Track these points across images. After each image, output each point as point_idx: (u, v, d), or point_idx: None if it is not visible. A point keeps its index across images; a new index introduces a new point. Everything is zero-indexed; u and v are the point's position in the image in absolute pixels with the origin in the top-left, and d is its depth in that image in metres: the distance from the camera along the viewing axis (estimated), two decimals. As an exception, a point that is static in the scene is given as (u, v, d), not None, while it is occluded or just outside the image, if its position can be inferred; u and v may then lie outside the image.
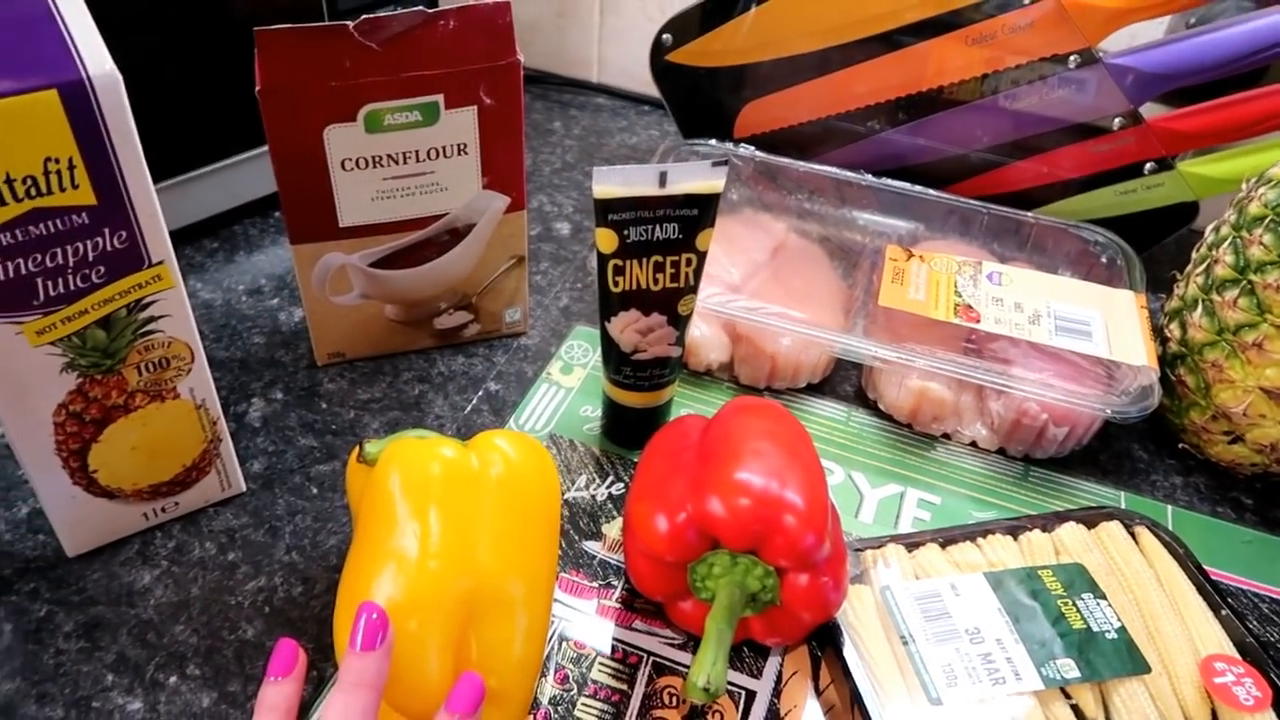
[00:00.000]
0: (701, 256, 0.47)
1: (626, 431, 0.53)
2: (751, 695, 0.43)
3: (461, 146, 0.50)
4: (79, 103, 0.35)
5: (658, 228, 0.45)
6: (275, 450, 0.52)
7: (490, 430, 0.42)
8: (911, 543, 0.46)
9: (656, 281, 0.46)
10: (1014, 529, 0.47)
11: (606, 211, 0.44)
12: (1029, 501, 0.52)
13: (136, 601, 0.45)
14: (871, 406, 0.57)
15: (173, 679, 0.42)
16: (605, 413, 0.53)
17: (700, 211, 0.45)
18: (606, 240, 0.45)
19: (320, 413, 0.55)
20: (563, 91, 0.86)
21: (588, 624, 0.45)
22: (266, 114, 0.46)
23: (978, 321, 0.54)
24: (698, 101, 0.71)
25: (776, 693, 0.43)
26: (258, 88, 0.45)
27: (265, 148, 0.48)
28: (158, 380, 0.43)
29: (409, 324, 0.57)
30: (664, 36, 0.68)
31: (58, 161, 0.35)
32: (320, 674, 0.43)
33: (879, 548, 0.46)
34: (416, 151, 0.49)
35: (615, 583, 0.47)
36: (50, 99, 0.34)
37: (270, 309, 0.61)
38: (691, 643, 0.44)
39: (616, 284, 0.46)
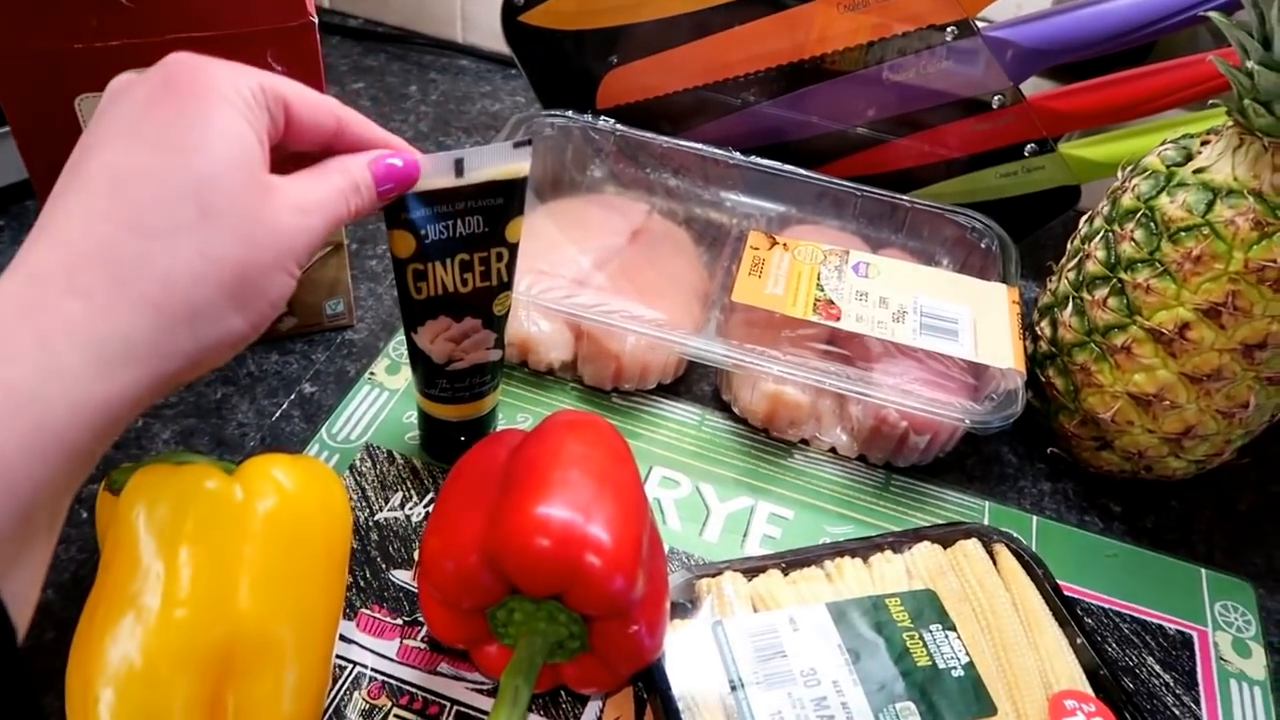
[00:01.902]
0: (513, 249, 0.41)
1: (448, 446, 0.47)
2: (566, 746, 0.38)
3: (250, 120, 0.43)
4: None
5: (459, 222, 0.39)
6: (44, 467, 0.46)
7: (266, 455, 0.37)
8: (752, 568, 0.42)
9: (465, 282, 0.41)
10: (865, 550, 0.43)
11: (398, 209, 0.38)
12: (889, 514, 0.48)
13: None
14: (727, 409, 0.52)
15: (-116, 750, 0.36)
16: (422, 426, 0.47)
17: (506, 200, 0.40)
18: (402, 243, 0.39)
19: (103, 421, 0.48)
20: (424, 52, 0.78)
21: (387, 668, 0.40)
22: (2, 83, 0.39)
23: (838, 319, 0.49)
24: (559, 68, 0.65)
25: (594, 741, 0.39)
26: (-19, 53, 0.38)
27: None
28: None
29: (211, 319, 0.50)
30: (513, -5, 0.62)
31: None
32: (66, 738, 0.37)
33: (715, 575, 0.42)
34: (195, 125, 0.43)
35: (422, 619, 0.42)
36: None
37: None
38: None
39: (420, 290, 0.40)
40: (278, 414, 0.49)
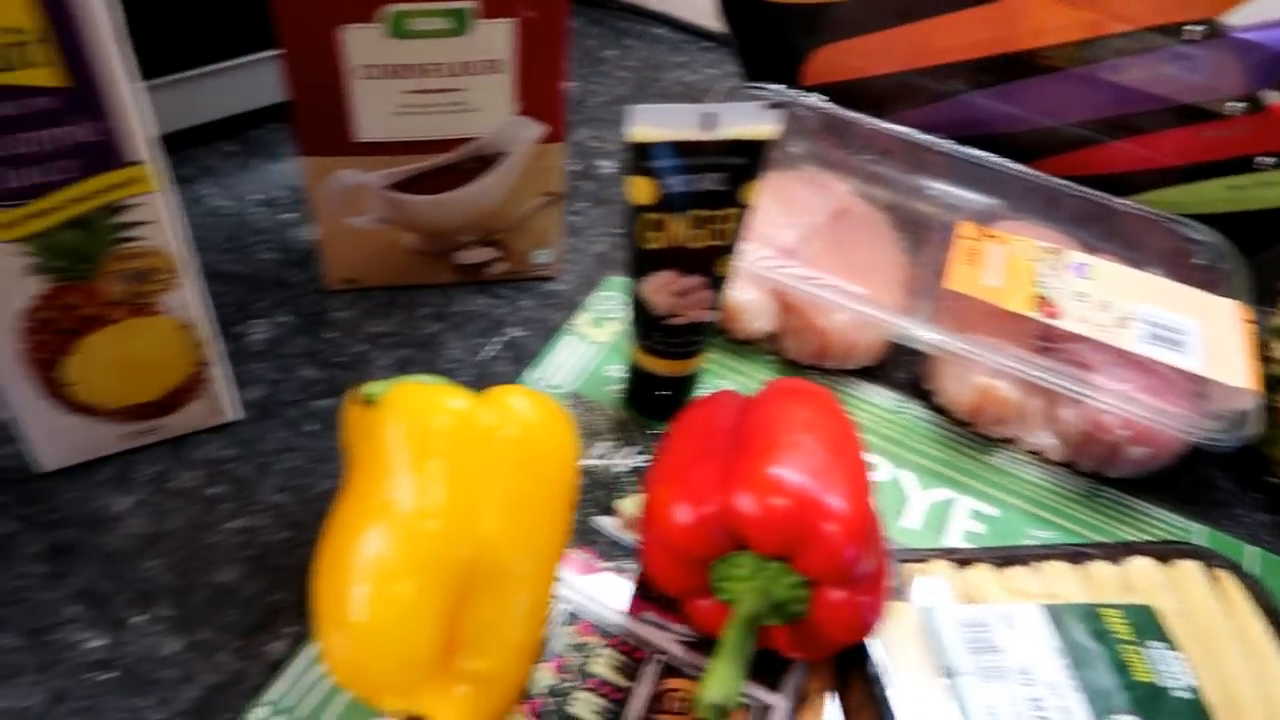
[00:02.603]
0: (745, 210, 0.41)
1: (651, 401, 0.48)
2: (767, 710, 0.38)
3: (493, 64, 0.44)
4: (50, -34, 0.30)
5: (700, 178, 0.39)
6: (275, 379, 0.48)
7: (507, 385, 0.38)
8: (961, 560, 0.41)
9: (696, 239, 0.41)
10: (1077, 555, 0.42)
11: (643, 157, 0.39)
12: (1094, 524, 0.47)
13: (109, 528, 0.41)
14: (927, 399, 0.51)
15: (139, 618, 0.38)
16: (629, 379, 0.48)
17: (749, 160, 0.40)
18: (643, 190, 0.39)
19: (326, 342, 0.50)
20: (620, 17, 0.79)
21: (593, 609, 0.41)
22: (279, 8, 0.40)
23: (1058, 318, 0.48)
24: (766, 40, 0.65)
25: (795, 709, 0.38)
26: (277, -25, 0.40)
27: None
28: (138, 293, 0.38)
29: (428, 255, 0.52)
30: (740, -36, 0.61)
31: (19, 33, 0.30)
32: (299, 632, 0.39)
33: (924, 561, 0.41)
34: (442, 64, 0.44)
35: (627, 566, 0.42)
36: (14, -44, 0.29)
37: (283, 224, 0.57)
38: (706, 644, 0.40)
39: (651, 240, 0.41)
40: (489, 353, 0.51)
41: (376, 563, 0.34)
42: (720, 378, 0.51)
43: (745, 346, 0.53)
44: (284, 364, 0.49)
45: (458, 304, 0.53)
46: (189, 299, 0.40)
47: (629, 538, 0.43)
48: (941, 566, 0.41)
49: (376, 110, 0.44)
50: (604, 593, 0.41)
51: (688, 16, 0.78)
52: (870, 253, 0.55)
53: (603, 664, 0.39)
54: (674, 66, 0.75)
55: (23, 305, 0.36)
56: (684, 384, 0.47)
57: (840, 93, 0.65)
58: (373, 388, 0.37)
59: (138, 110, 0.33)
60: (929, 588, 0.40)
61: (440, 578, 0.34)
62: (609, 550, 0.43)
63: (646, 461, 0.46)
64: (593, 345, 0.52)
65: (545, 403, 0.37)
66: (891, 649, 0.38)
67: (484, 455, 0.35)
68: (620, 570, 0.42)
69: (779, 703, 0.38)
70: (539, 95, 0.46)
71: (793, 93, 0.61)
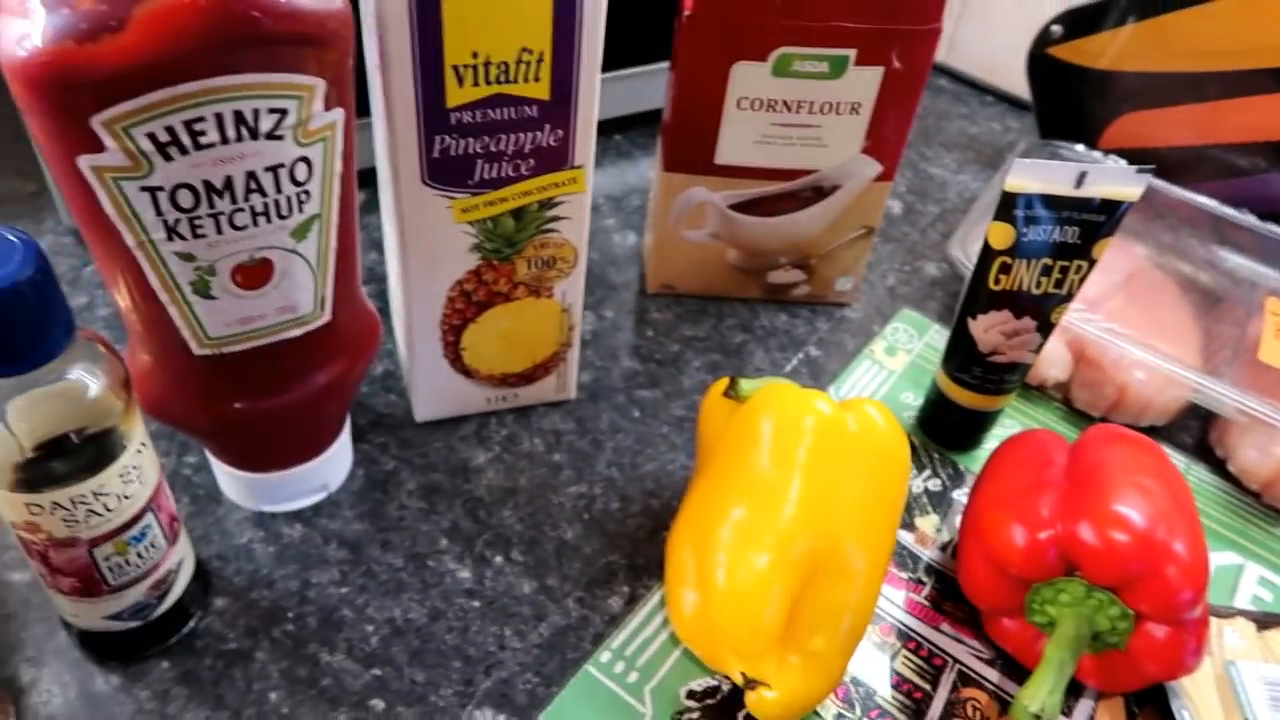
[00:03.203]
0: (1092, 265, 0.44)
1: (951, 430, 0.51)
2: (1059, 732, 0.41)
3: (855, 106, 0.49)
4: (566, 1, 0.36)
5: (1058, 229, 0.42)
6: (601, 366, 0.54)
7: (861, 398, 0.42)
8: (1264, 621, 0.42)
9: (1039, 285, 0.44)
10: (1385, 637, 0.42)
11: (1012, 205, 0.42)
12: (1392, 610, 0.46)
13: (471, 478, 0.48)
14: (1216, 464, 0.52)
15: (498, 558, 0.44)
16: (930, 406, 0.51)
17: (1106, 218, 0.42)
18: (1001, 235, 0.43)
19: (646, 339, 0.56)
20: (903, 66, 0.83)
21: (895, 613, 0.44)
22: (686, 39, 0.46)
23: (1375, 401, 0.48)
24: (1064, 100, 0.67)
25: (1087, 737, 0.41)
26: (686, 12, 0.45)
27: (652, 66, 0.48)
28: (541, 277, 0.45)
29: (745, 272, 0.57)
30: (1053, 28, 0.64)
31: (530, 53, 0.37)
32: (631, 592, 0.44)
33: (1226, 617, 0.42)
34: (812, 103, 0.48)
35: (925, 580, 0.45)
36: (546, -7, 0.35)
37: (605, 228, 0.63)
38: (1001, 659, 0.43)
39: (997, 281, 0.44)
40: (788, 367, 0.55)
41: (739, 538, 0.38)
42: (1008, 418, 0.53)
43: (1033, 392, 0.55)
44: (609, 354, 0.55)
45: (762, 319, 0.58)
46: (575, 286, 0.46)
47: (925, 553, 0.46)
48: (1243, 624, 0.42)
49: (741, 138, 0.50)
50: (902, 600, 0.44)
51: (970, 71, 0.81)
52: (1165, 317, 0.56)
53: (904, 664, 0.42)
54: (957, 117, 0.78)
55: (456, 277, 0.43)
56: (986, 419, 0.50)
57: (1138, 158, 0.66)
58: (744, 384, 0.41)
59: (593, 121, 0.39)
60: (1231, 643, 0.41)
61: (793, 560, 0.38)
62: (906, 563, 0.46)
63: (940, 486, 0.49)
64: (886, 371, 0.55)
65: (892, 417, 0.41)
66: (1192, 696, 0.40)
67: (842, 456, 0.39)
68: (919, 583, 0.45)
69: (1075, 728, 0.41)
70: (885, 137, 0.50)
71: (1093, 154, 0.63)
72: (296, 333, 0.38)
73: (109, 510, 0.34)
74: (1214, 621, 0.42)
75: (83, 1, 0.27)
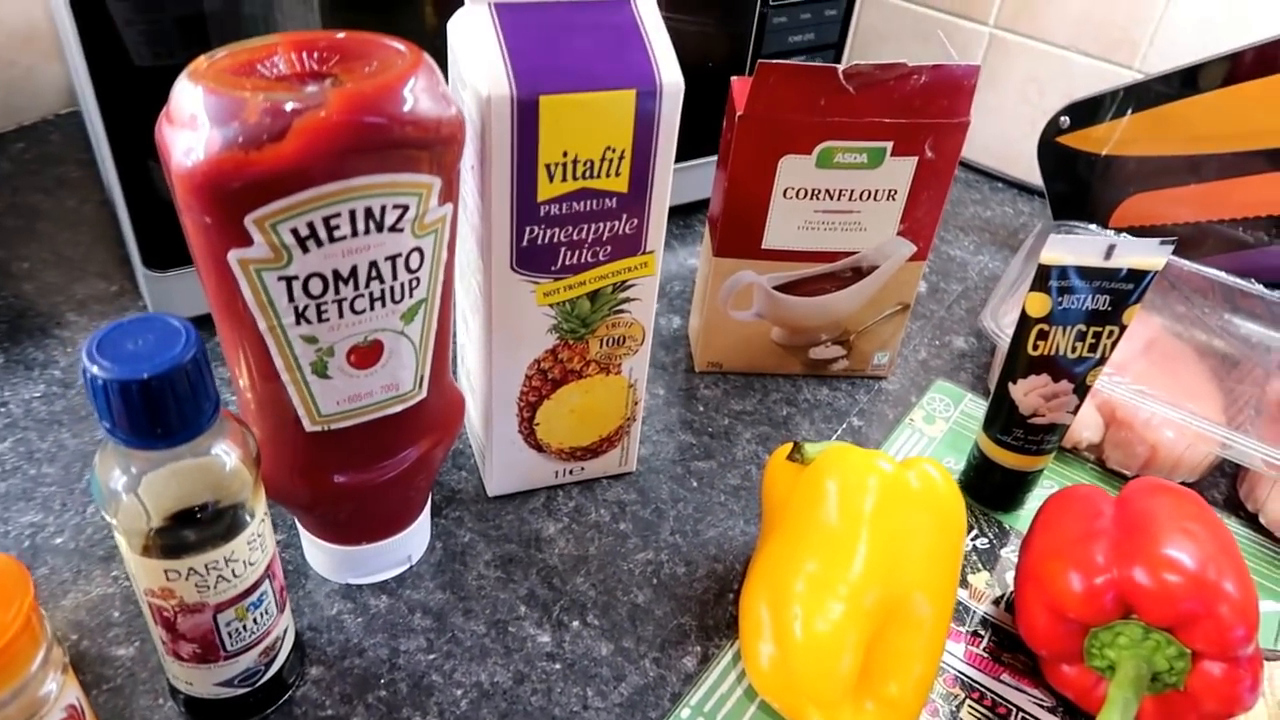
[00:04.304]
0: (1123, 331, 0.47)
1: (995, 491, 0.53)
2: (1125, 776, 0.42)
3: (892, 193, 0.53)
4: (647, 105, 0.40)
5: (1090, 298, 0.46)
6: (657, 440, 0.57)
7: (920, 457, 0.45)
8: (1311, 664, 0.45)
9: (1074, 350, 0.47)
10: None
11: (1048, 277, 0.46)
12: None
13: (543, 547, 0.50)
14: (1248, 517, 0.55)
15: (575, 623, 0.47)
16: (973, 469, 0.54)
17: (1134, 287, 0.46)
18: (1038, 304, 0.47)
19: (697, 414, 0.59)
20: (914, 157, 0.88)
21: (957, 665, 0.46)
22: (739, 137, 0.51)
23: (1393, 453, 0.51)
24: (1074, 184, 0.72)
25: (1152, 780, 0.42)
26: (739, 113, 0.50)
27: (691, 163, 0.52)
28: (611, 355, 0.48)
29: (787, 349, 0.60)
30: (1061, 118, 0.69)
31: (613, 150, 0.41)
32: (704, 651, 0.46)
33: (1275, 660, 0.45)
34: (852, 190, 0.53)
35: (982, 633, 0.47)
36: (627, 98, 0.40)
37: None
38: (1062, 707, 0.44)
39: (1035, 347, 0.48)
40: (834, 437, 0.58)
41: (812, 590, 0.40)
42: (1046, 479, 0.56)
43: (1068, 454, 0.58)
44: (665, 429, 0.58)
45: (805, 393, 0.61)
46: (641, 363, 0.49)
47: (980, 608, 0.49)
48: (1293, 668, 0.44)
49: (786, 224, 0.54)
50: (961, 653, 0.46)
51: (982, 160, 0.87)
52: (1187, 380, 0.59)
53: (970, 713, 0.44)
54: (971, 203, 0.82)
55: (535, 356, 0.46)
56: (1028, 479, 0.52)
57: (1147, 235, 0.70)
58: (809, 448, 0.44)
59: (665, 210, 0.43)
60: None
61: (865, 610, 0.40)
62: (962, 617, 0.48)
63: (987, 544, 0.52)
64: (926, 438, 0.58)
65: (948, 475, 0.44)
66: (1250, 735, 0.41)
67: (905, 511, 0.42)
68: (976, 636, 0.47)
69: (1140, 771, 0.42)
70: (919, 220, 0.54)
71: (1105, 233, 0.68)
72: (397, 409, 0.41)
73: (236, 576, 0.36)
74: (1268, 665, 0.44)
75: (250, 116, 0.31)
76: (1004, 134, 0.84)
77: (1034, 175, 0.83)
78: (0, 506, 0.49)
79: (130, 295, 0.63)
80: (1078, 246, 0.45)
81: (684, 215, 0.76)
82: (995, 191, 0.84)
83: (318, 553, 0.47)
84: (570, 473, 0.53)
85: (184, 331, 0.32)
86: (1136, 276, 0.46)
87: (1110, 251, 0.45)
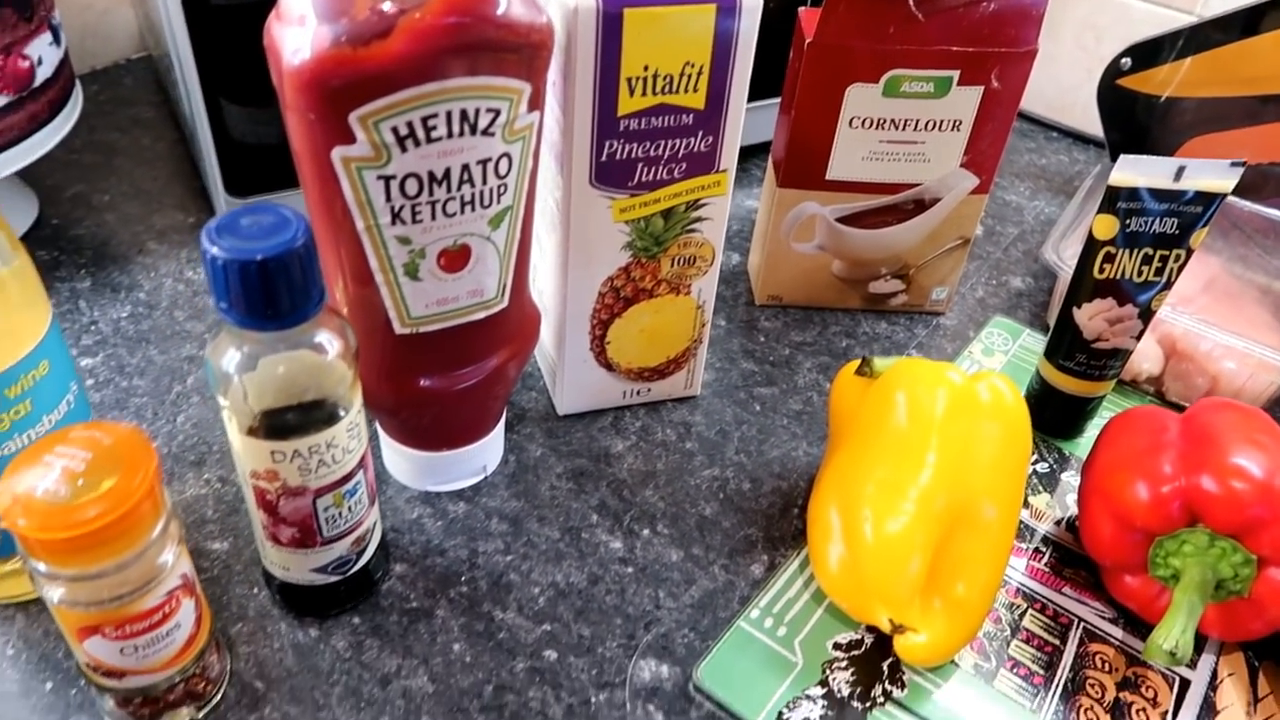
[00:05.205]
0: (1189, 255, 0.48)
1: (1055, 417, 0.54)
2: (1186, 683, 0.43)
3: (957, 123, 0.54)
4: (726, 21, 0.41)
5: (1159, 221, 0.47)
6: (722, 367, 0.58)
7: (987, 370, 0.45)
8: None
9: (1140, 274, 0.48)
10: None
11: (1116, 199, 0.46)
12: None
13: (612, 463, 0.52)
14: (1307, 450, 0.55)
15: (645, 531, 0.48)
16: (1034, 397, 0.55)
17: (1203, 211, 0.46)
18: (1105, 226, 0.47)
19: (759, 344, 0.60)
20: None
21: (1020, 579, 0.47)
22: (807, 65, 0.52)
23: None
24: (1133, 128, 0.72)
25: (1212, 687, 0.43)
26: (808, 40, 0.51)
27: (753, 104, 0.53)
28: (681, 274, 0.49)
29: (847, 283, 0.61)
30: (1122, 60, 0.69)
31: (692, 66, 0.42)
32: (770, 560, 0.47)
33: (1336, 577, 0.45)
34: (918, 120, 0.53)
35: (1043, 549, 0.48)
36: (708, 13, 0.41)
37: (710, 250, 0.68)
38: (1124, 619, 0.45)
39: (1102, 271, 0.48)
40: (893, 368, 0.59)
41: (882, 494, 0.42)
42: (1105, 410, 0.57)
43: (1126, 386, 0.58)
44: (727, 357, 0.59)
45: (863, 326, 0.62)
46: (710, 284, 0.50)
47: (1041, 527, 0.50)
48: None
49: (851, 155, 0.55)
50: (1023, 567, 0.48)
51: (1036, 109, 0.87)
52: (1248, 315, 0.59)
53: (1032, 621, 0.45)
54: (1025, 151, 0.83)
55: (608, 274, 0.48)
56: (1089, 405, 0.53)
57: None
58: (878, 362, 0.45)
59: (739, 128, 0.44)
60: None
61: (934, 513, 0.41)
62: (1024, 535, 0.49)
63: (1048, 469, 0.53)
64: (983, 370, 0.59)
65: (1016, 389, 0.45)
66: (1311, 646, 0.42)
67: (974, 421, 0.43)
68: (1037, 552, 0.48)
69: (1196, 678, 0.43)
70: (983, 152, 0.55)
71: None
72: (480, 316, 0.43)
73: (335, 462, 0.38)
74: (1325, 580, 0.45)
75: (357, 14, 0.33)
76: (1060, 82, 0.84)
77: (1089, 124, 0.83)
78: (96, 415, 0.51)
79: (208, 227, 0.65)
80: (1147, 168, 0.46)
81: (741, 159, 0.76)
82: (1050, 140, 0.84)
83: (399, 460, 0.48)
84: (637, 393, 0.54)
85: (296, 220, 0.33)
86: (1205, 199, 0.46)
87: (1180, 173, 0.45)
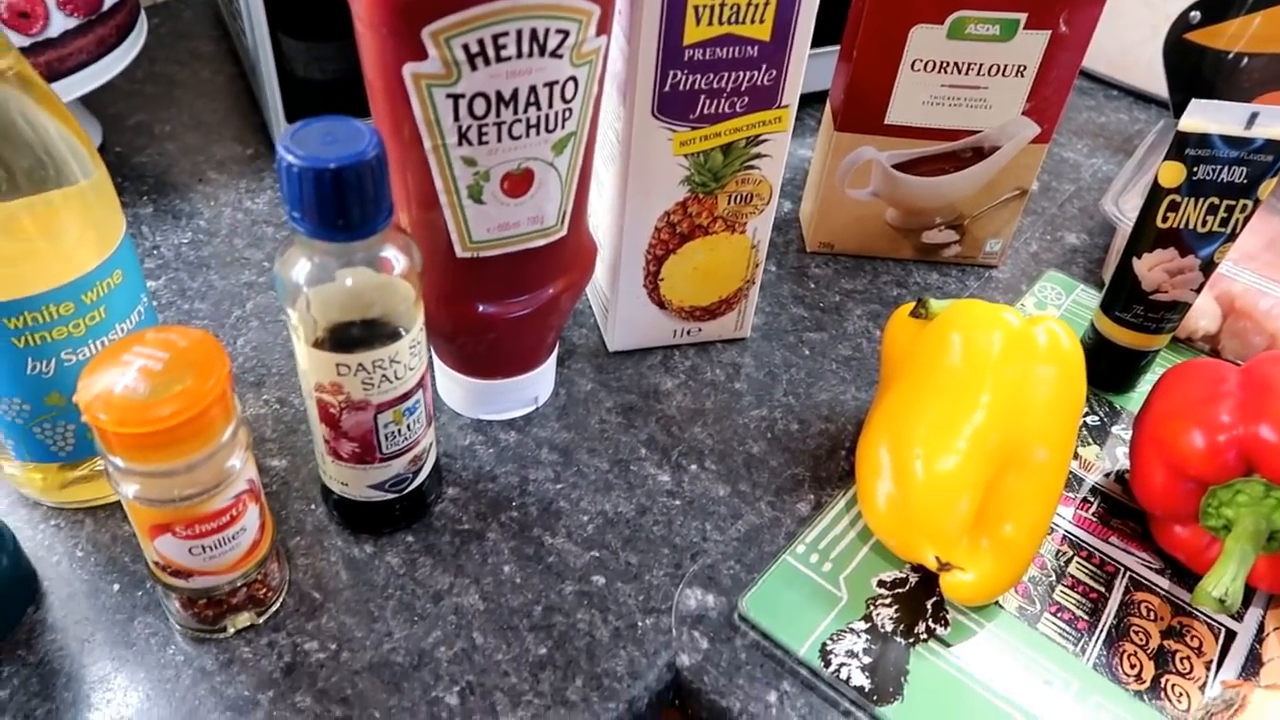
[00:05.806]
0: (1257, 206, 0.47)
1: (1108, 370, 0.54)
2: (1232, 634, 0.43)
3: (1021, 69, 0.53)
4: (797, -51, 0.41)
5: (1227, 169, 0.46)
6: (771, 311, 0.58)
7: (1044, 315, 0.45)
8: None
9: (1205, 224, 0.47)
10: None
11: (1185, 145, 0.46)
12: None
13: (661, 399, 0.52)
14: (1366, 413, 0.54)
15: (693, 466, 0.49)
16: (1087, 349, 0.54)
17: (1274, 159, 0.46)
18: (1172, 174, 0.46)
19: (809, 290, 0.60)
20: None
21: (1067, 527, 0.47)
22: (872, 5, 0.51)
23: None
24: (1200, 84, 0.70)
25: (1259, 639, 0.43)
26: (877, -23, 0.50)
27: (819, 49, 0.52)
28: (738, 212, 0.49)
29: (900, 231, 0.61)
30: (1192, 14, 0.67)
31: (760, -2, 0.42)
32: (816, 499, 0.48)
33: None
34: (981, 65, 0.53)
35: (1091, 499, 0.48)
36: (779, -58, 0.40)
37: (761, 197, 0.68)
38: (1171, 569, 0.45)
39: (1165, 220, 0.47)
40: (944, 318, 0.59)
41: (934, 433, 0.42)
42: (1159, 366, 0.56)
43: (1181, 344, 0.58)
44: (777, 301, 0.59)
45: (915, 276, 0.62)
46: (765, 223, 0.50)
47: (1090, 477, 0.49)
48: None
49: (912, 98, 0.54)
50: (1070, 516, 0.47)
51: (1096, 66, 0.85)
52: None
53: (1078, 569, 0.45)
54: (1085, 109, 0.81)
55: (665, 208, 0.48)
56: (1143, 358, 0.53)
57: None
58: (934, 303, 0.45)
59: (803, 64, 0.44)
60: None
61: (985, 453, 0.41)
62: (1073, 485, 0.49)
63: (1098, 421, 0.52)
64: (1037, 324, 0.59)
65: (1073, 334, 0.45)
66: (1363, 602, 0.42)
67: (1029, 364, 0.43)
68: (1085, 502, 0.48)
69: (1242, 630, 0.43)
70: (1046, 99, 0.54)
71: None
72: (540, 243, 0.43)
73: (397, 378, 0.39)
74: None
75: (435, -74, 0.33)
76: (1123, 39, 0.82)
77: (1151, 83, 0.82)
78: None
79: (265, 159, 0.66)
80: (1218, 114, 0.45)
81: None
82: (1110, 99, 0.83)
83: (453, 387, 0.49)
84: (688, 333, 0.54)
85: (369, 133, 0.34)
86: (1276, 149, 0.45)
87: (1252, 120, 0.45)
